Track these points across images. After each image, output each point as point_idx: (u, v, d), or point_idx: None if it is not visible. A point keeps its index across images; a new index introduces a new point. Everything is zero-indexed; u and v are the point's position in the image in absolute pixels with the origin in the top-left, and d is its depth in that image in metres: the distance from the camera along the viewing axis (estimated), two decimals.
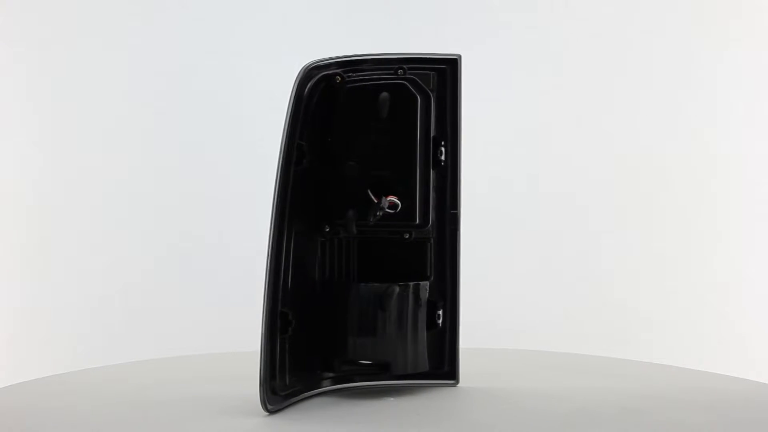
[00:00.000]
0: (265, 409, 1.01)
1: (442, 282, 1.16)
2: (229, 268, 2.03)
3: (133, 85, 2.09)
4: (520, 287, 2.08)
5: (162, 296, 2.05)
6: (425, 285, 1.13)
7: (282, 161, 1.04)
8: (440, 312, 1.15)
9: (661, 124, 2.12)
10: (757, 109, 2.13)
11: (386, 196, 1.09)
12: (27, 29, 2.08)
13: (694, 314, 2.09)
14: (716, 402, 1.12)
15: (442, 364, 1.16)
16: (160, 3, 2.10)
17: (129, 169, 2.07)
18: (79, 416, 1.02)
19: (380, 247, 1.14)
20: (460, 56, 1.15)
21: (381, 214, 1.09)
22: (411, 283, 1.12)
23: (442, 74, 1.15)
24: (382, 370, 1.12)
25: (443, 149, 1.14)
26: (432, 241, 1.15)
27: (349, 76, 1.10)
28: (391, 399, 1.10)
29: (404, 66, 1.12)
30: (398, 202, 1.10)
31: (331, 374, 1.12)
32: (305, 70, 1.06)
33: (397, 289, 1.10)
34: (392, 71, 1.12)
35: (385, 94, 1.11)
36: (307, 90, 1.07)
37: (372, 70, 1.12)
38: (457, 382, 1.17)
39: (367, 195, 1.10)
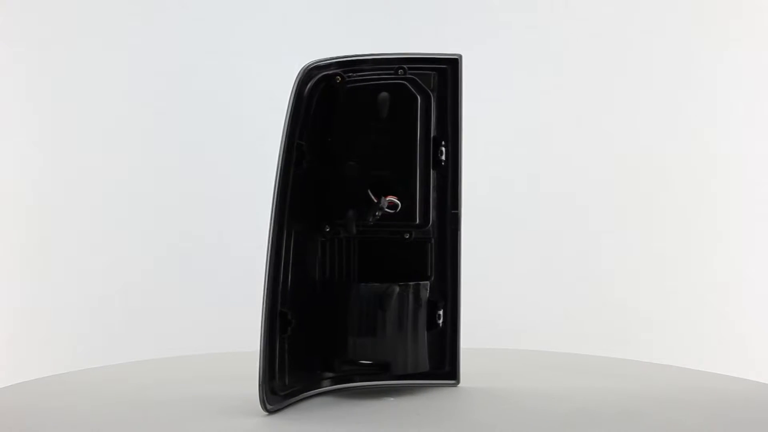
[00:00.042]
0: (265, 409, 1.01)
1: (443, 282, 1.16)
2: (229, 268, 2.03)
3: (133, 85, 2.09)
4: (520, 287, 2.08)
5: (162, 296, 2.05)
6: (425, 285, 1.13)
7: (282, 161, 1.04)
8: (440, 312, 1.15)
9: (661, 124, 2.12)
10: (757, 109, 2.13)
11: (385, 196, 1.10)
12: (27, 29, 2.08)
13: (694, 314, 2.09)
14: (716, 402, 1.12)
15: (442, 364, 1.16)
16: (160, 3, 2.10)
17: (129, 169, 2.07)
18: (79, 416, 1.02)
19: (380, 247, 1.14)
20: (460, 56, 1.15)
21: (380, 214, 1.09)
22: (411, 283, 1.12)
23: (442, 74, 1.15)
24: (382, 370, 1.12)
25: (444, 149, 1.14)
26: (432, 241, 1.15)
27: (349, 76, 1.10)
28: (391, 399, 1.10)
29: (404, 66, 1.12)
30: (398, 202, 1.10)
31: (331, 374, 1.12)
32: (305, 70, 1.06)
33: (397, 289, 1.10)
34: (392, 71, 1.12)
35: (384, 94, 1.11)
36: (307, 90, 1.07)
37: (372, 70, 1.12)
38: (458, 382, 1.17)
39: (367, 195, 1.10)
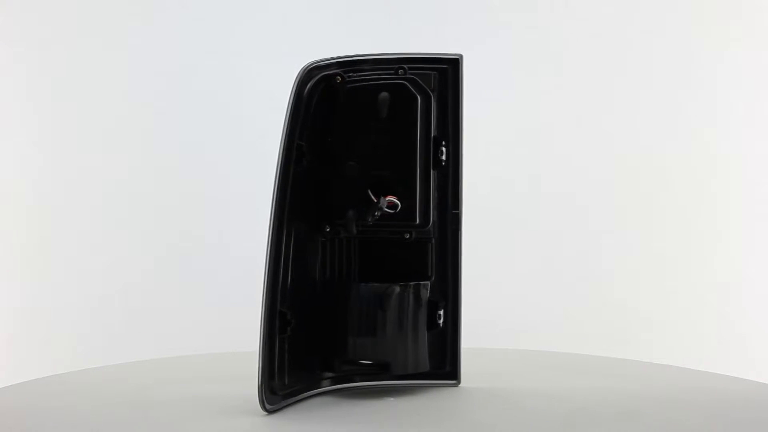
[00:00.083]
0: (264, 408, 1.01)
1: (444, 282, 1.16)
2: (229, 268, 2.03)
3: (133, 85, 2.09)
4: (520, 287, 2.08)
5: (162, 296, 2.05)
6: (426, 285, 1.13)
7: (281, 161, 1.04)
8: (441, 312, 1.15)
9: (661, 124, 2.12)
10: (757, 109, 2.13)
11: (385, 196, 1.10)
12: (27, 29, 2.08)
13: (694, 314, 2.09)
14: (716, 402, 1.12)
15: (443, 364, 1.16)
16: (160, 3, 2.10)
17: (129, 169, 2.07)
18: (79, 416, 1.02)
19: (381, 247, 1.14)
20: (461, 56, 1.14)
21: (379, 214, 1.09)
22: (411, 283, 1.12)
23: (443, 74, 1.15)
24: (382, 370, 1.12)
25: (444, 149, 1.14)
26: (433, 241, 1.15)
27: (349, 76, 1.10)
28: (391, 399, 1.10)
29: (405, 66, 1.12)
30: (397, 202, 1.10)
31: (331, 374, 1.12)
32: (305, 70, 1.06)
33: (397, 289, 1.10)
34: (393, 71, 1.12)
35: (384, 94, 1.11)
36: (306, 90, 1.07)
37: (372, 70, 1.12)
38: (459, 382, 1.17)
39: (368, 195, 1.10)
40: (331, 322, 1.10)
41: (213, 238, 2.07)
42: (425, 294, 1.13)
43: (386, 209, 1.09)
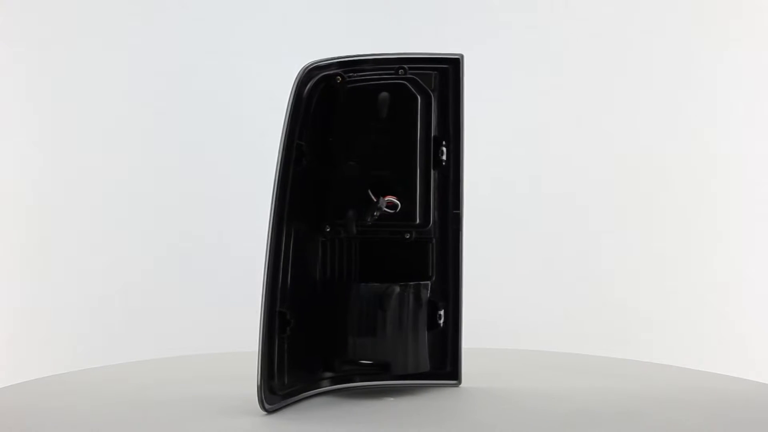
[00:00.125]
0: (263, 408, 1.01)
1: (444, 282, 1.16)
2: (229, 268, 2.03)
3: (133, 85, 2.09)
4: (520, 287, 2.08)
5: (162, 296, 2.05)
6: (426, 285, 1.13)
7: (281, 161, 1.04)
8: (441, 312, 1.15)
9: (661, 124, 2.12)
10: (757, 109, 2.13)
11: (384, 196, 1.09)
12: (27, 29, 2.08)
13: (694, 314, 2.09)
14: (716, 402, 1.12)
15: (444, 364, 1.16)
16: (160, 3, 2.10)
17: (129, 169, 2.07)
18: (79, 416, 1.02)
19: (381, 248, 1.14)
20: (462, 56, 1.14)
21: (378, 214, 1.09)
22: (411, 283, 1.12)
23: (444, 74, 1.15)
24: (382, 370, 1.12)
25: (444, 149, 1.14)
26: (434, 241, 1.15)
27: (349, 77, 1.10)
28: (391, 399, 1.10)
29: (405, 66, 1.12)
30: (397, 202, 1.10)
31: (331, 374, 1.12)
32: (305, 70, 1.06)
33: (397, 289, 1.10)
34: (393, 71, 1.12)
35: (384, 94, 1.11)
36: (306, 90, 1.07)
37: (372, 70, 1.12)
38: (460, 382, 1.17)
39: (368, 195, 1.10)
40: (331, 322, 1.10)
41: (213, 238, 2.07)
42: (425, 294, 1.13)
43: (386, 209, 1.09)
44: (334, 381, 1.12)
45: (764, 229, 2.12)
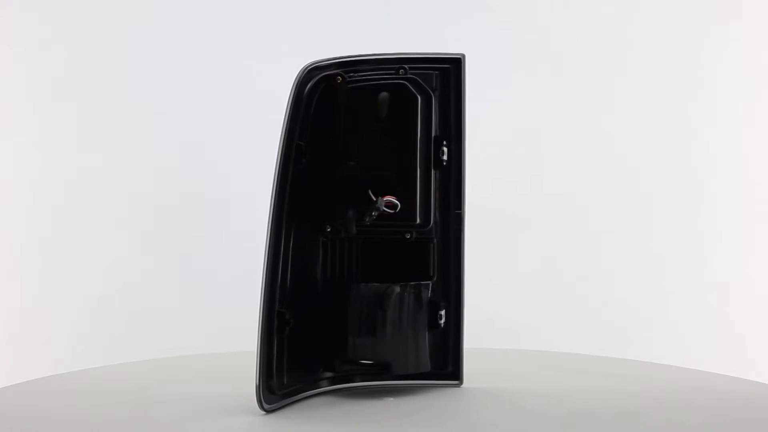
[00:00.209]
0: (262, 408, 1.01)
1: (446, 282, 1.16)
2: (229, 268, 2.03)
3: (133, 85, 2.09)
4: (520, 287, 2.08)
5: (162, 296, 2.05)
6: (426, 285, 1.13)
7: (280, 161, 1.04)
8: (442, 312, 1.15)
9: (661, 124, 2.12)
10: (757, 109, 2.13)
11: (383, 196, 1.09)
12: (27, 29, 2.08)
13: (694, 314, 2.09)
14: (716, 402, 1.12)
15: (445, 364, 1.16)
16: (160, 3, 2.10)
17: (129, 169, 2.07)
18: (79, 416, 1.02)
19: (382, 248, 1.14)
20: (463, 55, 1.14)
21: (376, 214, 1.09)
22: (411, 283, 1.12)
23: (445, 74, 1.14)
24: (382, 370, 1.12)
25: (445, 149, 1.14)
26: (435, 241, 1.15)
27: (350, 77, 1.10)
28: (391, 399, 1.10)
29: (405, 66, 1.12)
30: (396, 202, 1.10)
31: (331, 374, 1.12)
32: (305, 70, 1.06)
33: (397, 289, 1.10)
34: (393, 71, 1.12)
35: (384, 94, 1.11)
36: (306, 90, 1.07)
37: (373, 70, 1.12)
38: (461, 382, 1.16)
39: (368, 195, 1.10)
40: (331, 322, 1.10)
41: (213, 238, 2.07)
42: (426, 294, 1.13)
43: (385, 209, 1.09)
44: (334, 381, 1.12)
45: (764, 229, 2.12)
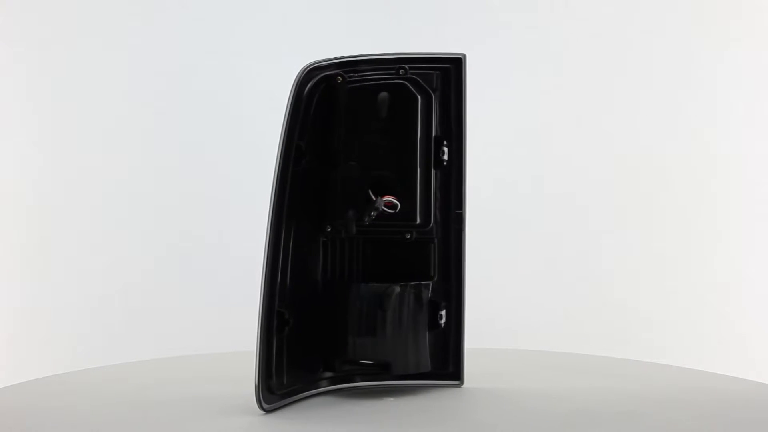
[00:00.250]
0: (261, 408, 1.01)
1: (447, 282, 1.15)
2: (229, 268, 2.03)
3: (133, 85, 2.09)
4: (520, 287, 2.08)
5: (162, 296, 2.05)
6: (427, 285, 1.13)
7: (280, 161, 1.03)
8: (443, 312, 1.14)
9: (661, 124, 2.12)
10: (757, 109, 2.13)
11: (382, 195, 1.09)
12: (27, 29, 2.08)
13: (694, 314, 2.09)
14: (716, 402, 1.12)
15: (446, 364, 1.16)
16: (160, 3, 2.10)
17: (129, 169, 2.07)
18: (79, 416, 1.02)
19: (383, 248, 1.14)
20: (464, 55, 1.14)
21: (375, 214, 1.09)
22: (411, 283, 1.11)
23: (446, 73, 1.14)
24: (382, 370, 1.12)
25: (446, 149, 1.14)
26: (436, 241, 1.15)
27: (350, 77, 1.10)
28: (391, 399, 1.10)
29: (406, 66, 1.12)
30: (396, 202, 1.10)
31: (331, 374, 1.12)
32: (305, 70, 1.06)
33: (397, 289, 1.10)
34: (393, 71, 1.12)
35: (384, 94, 1.11)
36: (306, 90, 1.07)
37: (373, 70, 1.12)
38: (462, 382, 1.16)
39: (368, 195, 1.10)
40: (331, 322, 1.10)
41: (213, 238, 2.07)
42: (426, 294, 1.13)
43: (384, 209, 1.09)
44: (334, 381, 1.12)
45: (764, 229, 2.12)
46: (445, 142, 1.14)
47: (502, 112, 2.08)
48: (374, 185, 1.10)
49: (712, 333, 2.08)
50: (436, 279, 1.15)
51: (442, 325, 1.15)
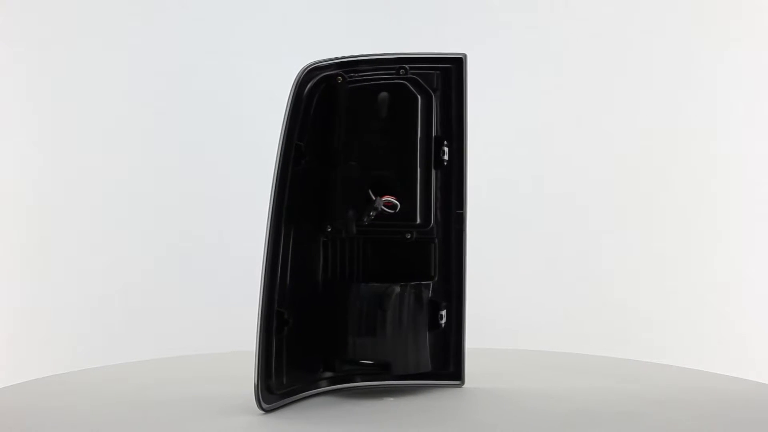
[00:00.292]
0: (260, 407, 1.01)
1: (448, 283, 1.15)
2: (229, 268, 2.03)
3: (133, 85, 2.09)
4: (520, 287, 2.08)
5: (162, 296, 2.05)
6: (427, 285, 1.13)
7: (280, 161, 1.03)
8: (443, 312, 1.14)
9: (661, 124, 2.12)
10: (757, 109, 2.13)
11: (382, 196, 1.09)
12: (27, 29, 2.08)
13: (694, 314, 2.09)
14: (716, 402, 1.12)
15: (447, 364, 1.16)
16: (160, 3, 2.10)
17: (129, 169, 2.07)
18: (79, 416, 1.02)
19: (383, 248, 1.14)
20: (465, 55, 1.14)
21: (374, 214, 1.09)
22: (411, 283, 1.11)
23: (446, 73, 1.14)
24: (382, 370, 1.12)
25: (446, 149, 1.14)
26: (436, 241, 1.15)
27: (350, 77, 1.10)
28: (391, 399, 1.10)
29: (406, 66, 1.12)
30: (396, 202, 1.10)
31: (331, 374, 1.12)
32: (305, 70, 1.06)
33: (397, 289, 1.10)
34: (394, 71, 1.12)
35: (384, 94, 1.11)
36: (306, 90, 1.07)
37: (373, 70, 1.11)
38: (463, 383, 1.16)
39: (368, 195, 1.10)
40: (331, 322, 1.10)
41: (213, 238, 2.07)
42: (426, 294, 1.13)
43: (384, 209, 1.09)
44: (334, 381, 1.12)
45: (764, 229, 2.12)
46: (445, 142, 1.14)
47: (502, 112, 2.08)
48: (374, 185, 1.10)
49: (712, 333, 2.08)
50: (436, 279, 1.15)
51: (443, 326, 1.14)
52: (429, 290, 1.13)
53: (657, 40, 2.12)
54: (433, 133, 1.13)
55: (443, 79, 1.14)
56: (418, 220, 1.12)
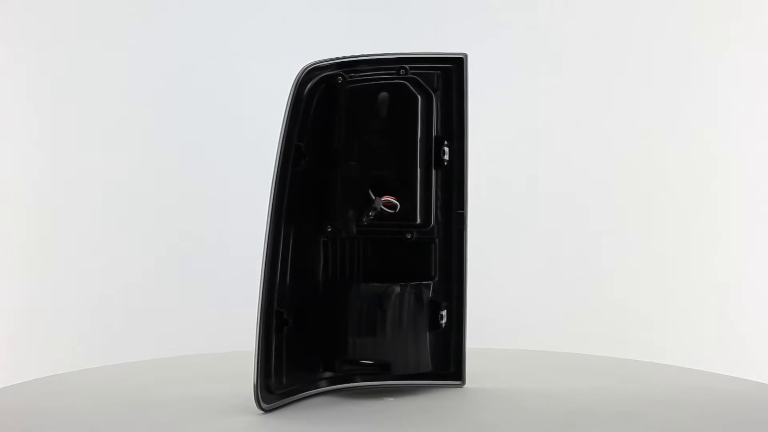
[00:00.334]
0: (260, 407, 1.01)
1: (448, 283, 1.15)
2: (229, 268, 2.03)
3: (133, 85, 2.09)
4: (521, 287, 2.08)
5: (162, 296, 2.05)
6: (427, 285, 1.13)
7: (279, 162, 1.03)
8: (443, 312, 1.14)
9: (661, 124, 2.12)
10: (757, 109, 2.13)
11: (381, 196, 1.09)
12: (27, 29, 2.08)
13: (694, 314, 2.09)
14: (716, 402, 1.12)
15: (448, 364, 1.16)
16: (160, 3, 2.10)
17: (129, 169, 2.07)
18: (79, 416, 1.02)
19: (383, 248, 1.14)
20: (466, 55, 1.14)
21: (373, 214, 1.09)
22: (411, 283, 1.11)
23: (447, 73, 1.14)
24: (382, 370, 1.11)
25: (447, 149, 1.14)
26: (437, 241, 1.15)
27: (350, 77, 1.10)
28: (391, 399, 1.10)
29: (406, 66, 1.12)
30: (395, 202, 1.10)
31: (330, 374, 1.12)
32: (305, 70, 1.06)
33: (397, 289, 1.10)
34: (394, 71, 1.12)
35: (384, 94, 1.11)
36: (306, 91, 1.07)
37: (374, 70, 1.11)
38: (463, 383, 1.16)
39: (368, 195, 1.10)
40: (331, 322, 1.10)
41: (213, 238, 2.07)
42: (427, 294, 1.13)
43: (384, 209, 1.09)
44: (334, 381, 1.12)
45: (764, 229, 2.12)
46: (446, 142, 1.13)
47: (502, 112, 2.08)
48: (374, 185, 1.10)
49: (712, 333, 2.08)
50: (437, 279, 1.15)
51: (443, 326, 1.14)
52: (429, 290, 1.13)
53: (657, 40, 2.12)
54: (434, 133, 1.13)
55: (444, 79, 1.14)
56: (418, 220, 1.12)
